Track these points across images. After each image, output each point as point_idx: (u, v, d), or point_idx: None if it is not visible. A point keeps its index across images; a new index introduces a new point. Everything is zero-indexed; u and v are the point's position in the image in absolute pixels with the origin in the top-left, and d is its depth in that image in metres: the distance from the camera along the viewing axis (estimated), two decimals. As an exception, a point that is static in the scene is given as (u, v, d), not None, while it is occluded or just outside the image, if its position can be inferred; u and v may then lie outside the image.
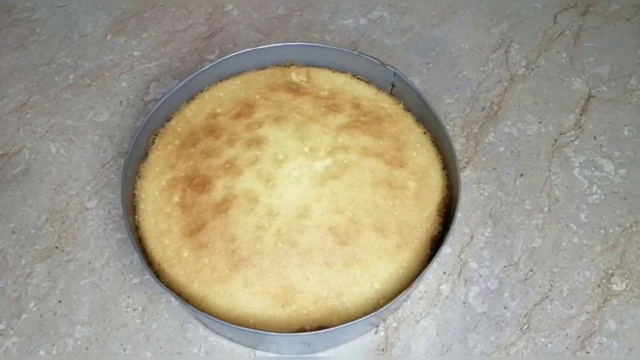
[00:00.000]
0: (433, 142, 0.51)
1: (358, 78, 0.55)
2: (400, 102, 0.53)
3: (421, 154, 0.50)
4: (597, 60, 0.66)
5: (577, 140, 0.59)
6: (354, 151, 0.48)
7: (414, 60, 0.66)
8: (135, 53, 0.67)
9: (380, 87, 0.54)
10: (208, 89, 0.54)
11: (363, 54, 0.53)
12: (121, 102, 0.62)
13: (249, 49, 0.54)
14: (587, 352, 0.47)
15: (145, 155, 0.50)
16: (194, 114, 0.52)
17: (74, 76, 0.65)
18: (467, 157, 0.58)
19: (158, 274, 0.44)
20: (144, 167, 0.50)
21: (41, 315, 0.49)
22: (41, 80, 0.64)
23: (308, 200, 0.45)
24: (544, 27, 0.69)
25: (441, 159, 0.50)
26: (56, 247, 0.52)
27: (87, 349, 0.47)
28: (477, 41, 0.68)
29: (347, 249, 0.44)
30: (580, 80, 0.64)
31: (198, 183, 0.46)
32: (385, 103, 0.53)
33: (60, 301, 0.50)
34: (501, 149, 0.59)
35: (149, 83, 0.64)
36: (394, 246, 0.44)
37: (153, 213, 0.47)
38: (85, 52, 0.67)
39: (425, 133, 0.51)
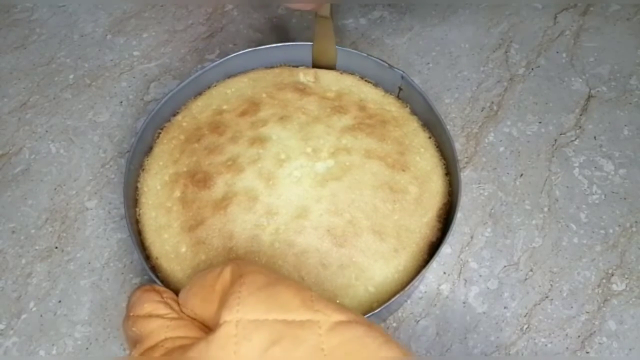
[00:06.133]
0: (437, 146, 0.50)
1: (365, 80, 0.55)
2: (407, 106, 0.53)
3: (424, 159, 0.49)
4: (597, 60, 0.66)
5: (577, 140, 0.59)
6: (356, 153, 0.48)
7: (414, 60, 0.66)
8: (135, 53, 0.67)
9: (387, 90, 0.54)
10: (215, 86, 0.54)
11: (371, 55, 0.53)
12: (121, 102, 0.62)
13: (259, 47, 0.54)
14: (587, 352, 0.47)
15: (150, 149, 0.50)
16: (200, 109, 0.52)
17: (74, 76, 0.65)
18: (467, 157, 0.58)
19: (155, 268, 0.44)
20: (148, 160, 0.49)
21: (41, 315, 0.49)
22: (41, 80, 0.64)
23: (308, 201, 0.45)
24: (544, 27, 0.69)
25: (444, 163, 0.50)
26: (56, 247, 0.52)
27: (87, 349, 0.47)
28: (477, 41, 0.68)
29: (344, 250, 0.43)
30: (580, 80, 0.64)
31: (199, 179, 0.46)
32: (391, 106, 0.53)
33: (60, 301, 0.50)
34: (501, 149, 0.59)
35: (149, 83, 0.64)
36: (391, 250, 0.44)
37: (154, 207, 0.47)
38: (85, 52, 0.67)
39: (430, 137, 0.51)
